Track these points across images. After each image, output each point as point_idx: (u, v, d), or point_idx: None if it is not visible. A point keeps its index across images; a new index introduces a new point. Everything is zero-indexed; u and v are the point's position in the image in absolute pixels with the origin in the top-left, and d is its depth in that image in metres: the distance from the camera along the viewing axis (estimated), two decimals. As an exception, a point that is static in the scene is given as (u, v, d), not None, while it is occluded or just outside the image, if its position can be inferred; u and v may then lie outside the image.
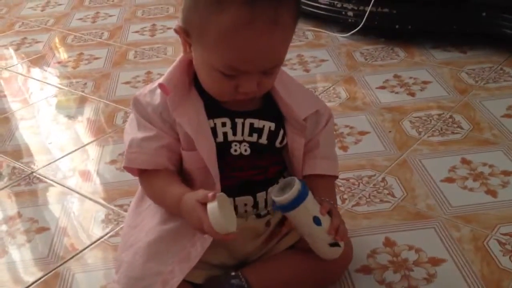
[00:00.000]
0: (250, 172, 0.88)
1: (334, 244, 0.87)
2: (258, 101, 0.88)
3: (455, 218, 1.11)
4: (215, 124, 0.85)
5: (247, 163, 0.87)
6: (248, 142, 0.87)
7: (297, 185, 0.82)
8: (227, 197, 0.79)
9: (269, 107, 0.88)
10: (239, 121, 0.86)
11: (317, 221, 0.85)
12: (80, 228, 1.16)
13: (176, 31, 0.82)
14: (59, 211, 1.22)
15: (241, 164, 0.87)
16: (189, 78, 0.85)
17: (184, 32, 0.81)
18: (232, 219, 0.77)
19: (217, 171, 0.85)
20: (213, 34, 0.75)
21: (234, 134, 0.86)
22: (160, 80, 0.85)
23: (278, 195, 0.84)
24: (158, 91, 0.86)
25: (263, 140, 0.87)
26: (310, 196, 0.84)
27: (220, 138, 0.85)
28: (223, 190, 0.86)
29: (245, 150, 0.87)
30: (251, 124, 0.86)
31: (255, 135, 0.87)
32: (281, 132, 0.89)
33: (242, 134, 0.86)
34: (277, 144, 0.89)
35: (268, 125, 0.87)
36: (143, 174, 0.89)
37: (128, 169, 0.90)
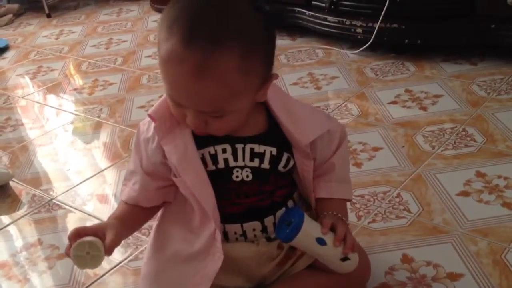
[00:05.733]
0: (255, 198, 0.88)
1: (345, 259, 0.88)
2: (263, 126, 0.88)
3: (472, 232, 1.11)
4: (215, 150, 0.86)
5: (251, 189, 0.88)
6: (250, 167, 0.87)
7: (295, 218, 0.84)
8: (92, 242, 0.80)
9: (273, 132, 0.88)
10: (239, 146, 0.86)
11: (320, 241, 0.86)
12: (100, 253, 1.18)
13: None
14: (79, 237, 1.23)
15: (246, 190, 0.88)
16: None
17: None
18: (94, 260, 0.80)
19: (208, 197, 0.85)
20: (159, 61, 0.78)
21: (235, 159, 0.86)
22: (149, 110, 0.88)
23: (279, 226, 0.87)
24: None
25: (265, 165, 0.87)
26: (307, 221, 0.85)
27: (221, 165, 0.86)
28: (229, 217, 0.88)
29: (247, 176, 0.87)
30: (252, 149, 0.87)
31: (256, 160, 0.87)
32: (285, 156, 0.88)
33: (244, 160, 0.87)
34: (281, 168, 0.89)
35: (270, 150, 0.87)
36: None
37: None
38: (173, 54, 0.73)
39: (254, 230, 0.90)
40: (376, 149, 1.43)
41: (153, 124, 0.87)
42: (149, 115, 0.86)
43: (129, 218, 0.90)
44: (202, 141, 0.85)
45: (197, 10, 0.74)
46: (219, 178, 0.86)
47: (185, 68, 0.73)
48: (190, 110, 0.78)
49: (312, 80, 1.85)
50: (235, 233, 0.90)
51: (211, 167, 0.86)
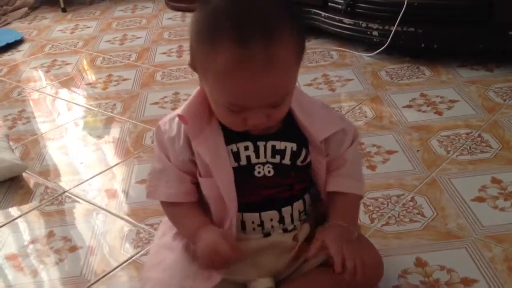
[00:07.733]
0: (274, 190, 0.89)
1: None
2: (278, 123, 0.88)
3: (487, 238, 1.10)
4: (238, 148, 0.87)
5: (272, 182, 0.89)
6: (271, 163, 0.88)
7: None
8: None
9: (290, 128, 0.89)
10: (261, 144, 0.88)
11: None
12: (112, 246, 1.18)
13: (189, 65, 0.85)
14: (91, 230, 1.24)
15: (266, 182, 0.89)
16: (209, 107, 0.86)
17: (193, 68, 0.83)
18: None
19: (233, 198, 0.86)
20: (212, 75, 0.78)
21: (257, 156, 0.88)
22: (179, 110, 0.88)
23: None
24: (177, 120, 0.89)
25: (286, 161, 0.89)
26: None
27: (244, 162, 0.87)
28: (247, 206, 0.89)
29: (269, 172, 0.88)
30: (273, 146, 0.88)
31: (278, 157, 0.88)
32: (303, 151, 0.90)
33: (265, 156, 0.88)
34: (299, 163, 0.90)
35: (290, 146, 0.88)
36: (163, 202, 0.94)
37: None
38: (233, 61, 0.74)
39: (271, 220, 0.90)
40: (390, 152, 1.42)
41: (175, 122, 0.89)
42: (180, 116, 0.87)
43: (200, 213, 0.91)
44: (225, 139, 0.87)
45: (231, 13, 0.75)
46: (241, 174, 0.87)
47: (252, 67, 0.74)
48: (253, 110, 0.79)
49: (326, 81, 1.85)
50: (253, 222, 0.90)
51: (233, 163, 0.87)
